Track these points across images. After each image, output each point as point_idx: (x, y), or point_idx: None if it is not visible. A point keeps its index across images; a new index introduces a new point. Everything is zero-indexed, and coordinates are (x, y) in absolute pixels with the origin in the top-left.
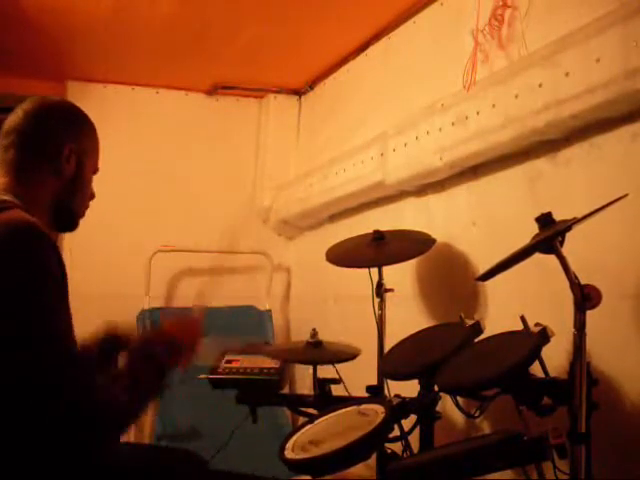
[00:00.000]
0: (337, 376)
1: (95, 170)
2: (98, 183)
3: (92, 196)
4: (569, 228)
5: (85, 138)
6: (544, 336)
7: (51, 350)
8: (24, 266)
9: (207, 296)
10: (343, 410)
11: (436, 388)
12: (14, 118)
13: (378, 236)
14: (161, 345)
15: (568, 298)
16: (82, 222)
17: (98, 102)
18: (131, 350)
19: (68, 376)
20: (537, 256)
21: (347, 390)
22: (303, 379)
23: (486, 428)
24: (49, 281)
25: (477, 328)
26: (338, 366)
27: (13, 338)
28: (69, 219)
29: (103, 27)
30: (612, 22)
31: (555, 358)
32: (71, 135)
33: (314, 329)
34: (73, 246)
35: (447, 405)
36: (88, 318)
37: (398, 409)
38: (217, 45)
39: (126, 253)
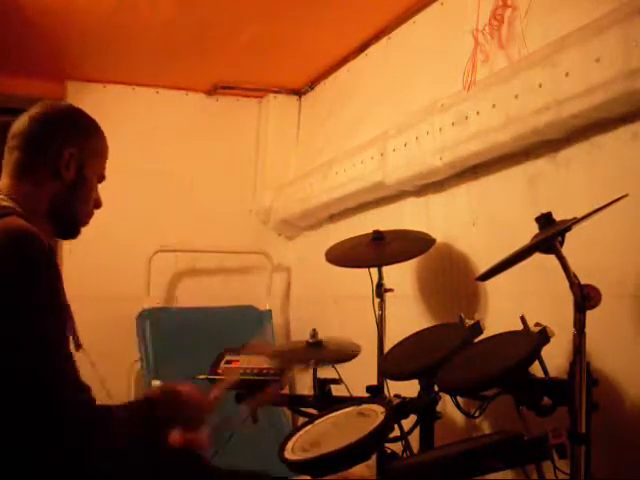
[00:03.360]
0: (337, 376)
1: (100, 178)
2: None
3: (98, 204)
4: (569, 228)
5: (89, 144)
6: (544, 336)
7: (39, 356)
8: (17, 273)
9: (207, 297)
10: (343, 410)
11: (436, 388)
12: (20, 121)
13: (378, 236)
14: (169, 414)
15: (568, 298)
16: None
17: (98, 102)
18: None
19: (55, 382)
20: (537, 256)
21: (348, 390)
22: (303, 379)
23: (486, 428)
24: (41, 288)
25: (477, 328)
26: (338, 366)
27: (4, 343)
28: (67, 225)
29: (103, 27)
30: (612, 22)
31: (555, 358)
32: (73, 140)
33: (314, 329)
34: (73, 247)
35: (447, 405)
36: (88, 318)
37: (398, 409)
38: (217, 45)
39: (126, 253)
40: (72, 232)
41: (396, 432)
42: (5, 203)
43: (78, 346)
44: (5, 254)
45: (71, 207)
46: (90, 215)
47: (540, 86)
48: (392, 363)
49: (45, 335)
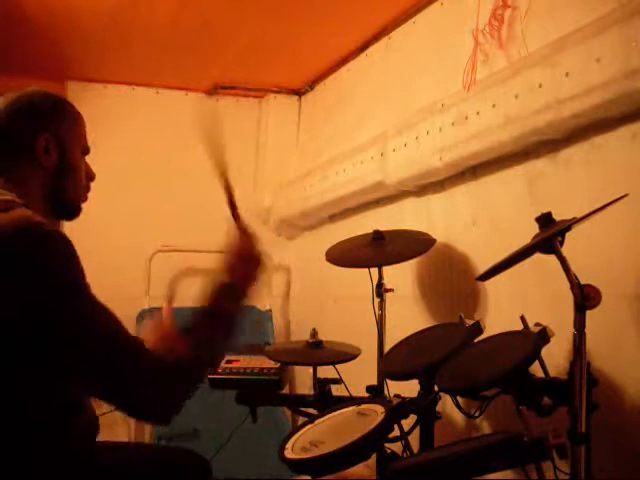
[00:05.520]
0: (337, 376)
1: (85, 151)
2: (98, 183)
3: (90, 176)
4: (569, 228)
5: (63, 123)
6: (544, 336)
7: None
8: (48, 264)
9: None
10: (343, 410)
11: (436, 388)
12: None
13: (378, 236)
14: (221, 296)
15: (568, 298)
16: (81, 222)
17: (98, 102)
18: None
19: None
20: (537, 256)
21: (348, 390)
22: (303, 379)
23: (486, 428)
24: (79, 271)
25: (477, 328)
26: (338, 366)
27: (74, 324)
28: (66, 208)
29: (103, 27)
30: (612, 22)
31: (555, 358)
32: (44, 124)
33: (314, 329)
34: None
35: (447, 405)
36: None
37: (398, 409)
38: (217, 45)
39: (126, 253)
40: (71, 213)
41: (396, 432)
42: (7, 197)
43: None
44: (28, 250)
45: (64, 190)
46: (86, 190)
47: (540, 86)
48: (392, 363)
49: (101, 307)
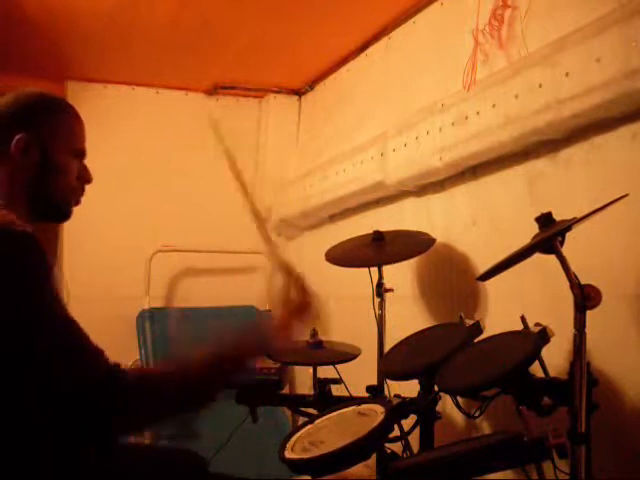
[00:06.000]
0: (337, 376)
1: (77, 152)
2: (98, 183)
3: (84, 178)
4: (569, 228)
5: (48, 123)
6: (544, 336)
7: (61, 337)
8: (17, 265)
9: (207, 297)
10: (343, 410)
11: (436, 388)
12: None
13: (378, 236)
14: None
15: (568, 298)
16: (81, 222)
17: (98, 102)
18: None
19: (84, 366)
20: (537, 256)
21: (348, 390)
22: (303, 379)
23: (486, 428)
24: (40, 276)
25: (477, 328)
26: (338, 366)
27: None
28: (52, 210)
29: (103, 27)
30: (612, 22)
31: (555, 358)
32: (23, 124)
33: (314, 329)
34: (73, 247)
35: (447, 405)
36: (88, 319)
37: (398, 409)
38: (217, 45)
39: (126, 253)
40: (59, 215)
41: (396, 432)
42: None
43: None
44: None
45: (47, 192)
46: (75, 192)
47: (540, 86)
48: (392, 363)
49: (63, 315)
